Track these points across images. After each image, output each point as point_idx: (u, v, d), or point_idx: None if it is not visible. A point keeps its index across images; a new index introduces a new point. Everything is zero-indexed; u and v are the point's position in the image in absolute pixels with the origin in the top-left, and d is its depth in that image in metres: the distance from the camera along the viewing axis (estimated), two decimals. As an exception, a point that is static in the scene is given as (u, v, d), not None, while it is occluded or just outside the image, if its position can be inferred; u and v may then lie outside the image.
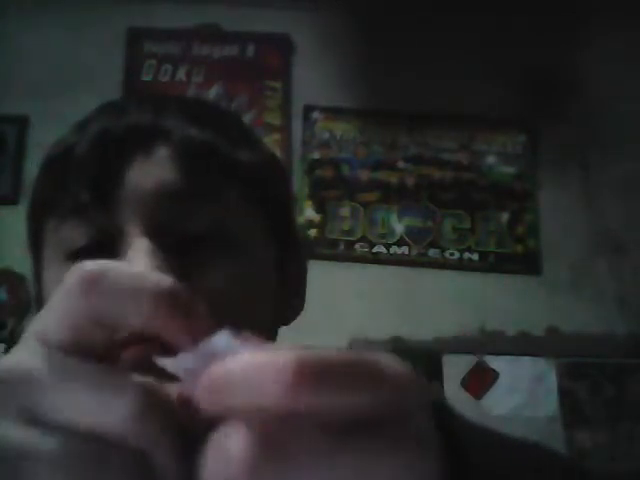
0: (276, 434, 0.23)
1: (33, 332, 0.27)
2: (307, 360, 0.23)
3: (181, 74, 2.09)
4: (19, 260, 1.75)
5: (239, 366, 0.24)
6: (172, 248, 0.44)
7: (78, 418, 0.25)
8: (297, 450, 0.23)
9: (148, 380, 0.27)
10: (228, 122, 0.55)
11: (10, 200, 1.88)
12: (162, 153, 0.47)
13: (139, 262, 0.42)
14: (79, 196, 0.46)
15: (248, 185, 0.50)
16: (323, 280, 1.89)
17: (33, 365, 0.26)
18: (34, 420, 0.26)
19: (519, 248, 2.00)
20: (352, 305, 1.87)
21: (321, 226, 1.99)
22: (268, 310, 0.49)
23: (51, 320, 0.27)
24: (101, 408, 0.25)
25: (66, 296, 0.27)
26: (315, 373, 0.23)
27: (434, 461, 0.25)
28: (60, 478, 0.25)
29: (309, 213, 2.00)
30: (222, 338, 0.26)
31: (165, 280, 0.27)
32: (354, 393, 0.24)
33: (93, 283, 0.27)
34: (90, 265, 0.27)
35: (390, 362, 0.25)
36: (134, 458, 0.25)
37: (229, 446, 0.23)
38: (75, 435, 0.25)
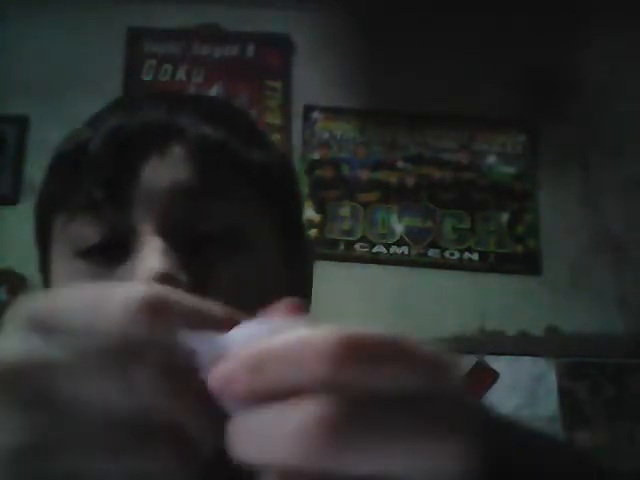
0: (337, 414, 0.23)
1: (32, 316, 0.27)
2: (350, 337, 0.24)
3: (181, 74, 2.09)
4: (19, 260, 1.75)
5: (283, 342, 0.24)
6: (184, 247, 0.44)
7: (107, 398, 0.25)
8: (354, 432, 0.23)
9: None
10: (241, 121, 0.55)
11: (10, 200, 1.88)
12: (176, 152, 0.47)
13: (152, 261, 0.42)
14: (92, 193, 0.45)
15: (259, 185, 0.49)
16: (323, 280, 1.89)
17: (47, 351, 0.26)
18: (54, 407, 0.25)
19: (519, 248, 2.00)
20: (352, 305, 1.87)
21: (321, 226, 1.99)
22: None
23: (101, 321, 0.26)
24: (128, 385, 0.25)
25: (125, 310, 0.26)
26: (358, 350, 0.24)
27: (474, 447, 0.25)
28: (94, 462, 0.25)
29: (309, 213, 2.00)
30: (255, 324, 0.26)
31: (226, 311, 0.27)
32: (395, 370, 0.24)
33: (160, 308, 0.26)
34: (157, 290, 0.27)
35: (420, 343, 0.26)
36: (168, 434, 0.25)
37: (285, 424, 0.23)
38: (105, 417, 0.25)
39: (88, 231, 0.45)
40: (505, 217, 2.02)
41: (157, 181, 0.46)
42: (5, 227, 1.81)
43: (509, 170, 2.07)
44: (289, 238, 0.52)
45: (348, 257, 1.97)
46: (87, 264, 0.45)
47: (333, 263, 1.93)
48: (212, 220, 0.46)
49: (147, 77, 2.08)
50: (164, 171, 0.46)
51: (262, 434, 0.24)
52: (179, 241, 0.44)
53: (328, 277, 1.82)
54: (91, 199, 0.45)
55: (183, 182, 0.46)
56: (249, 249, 0.47)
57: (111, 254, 0.45)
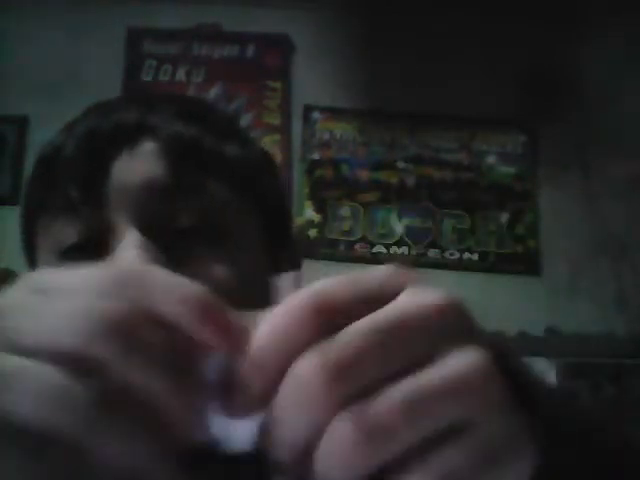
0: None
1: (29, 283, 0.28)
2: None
3: (181, 74, 2.09)
4: (19, 260, 1.75)
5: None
6: (161, 241, 0.45)
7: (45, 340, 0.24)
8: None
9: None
10: (216, 119, 0.56)
11: (10, 200, 1.88)
12: (148, 149, 0.48)
13: (130, 254, 0.42)
14: (68, 194, 0.46)
15: (236, 180, 0.50)
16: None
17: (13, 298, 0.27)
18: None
19: (519, 248, 2.00)
20: (352, 305, 1.87)
21: (321, 226, 1.99)
22: (261, 303, 0.49)
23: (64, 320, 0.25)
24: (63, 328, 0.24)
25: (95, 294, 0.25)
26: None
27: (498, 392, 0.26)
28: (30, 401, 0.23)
29: (309, 213, 2.00)
30: None
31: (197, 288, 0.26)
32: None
33: (127, 284, 0.26)
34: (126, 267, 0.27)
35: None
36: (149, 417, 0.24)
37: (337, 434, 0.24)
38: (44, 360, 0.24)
39: (67, 231, 0.46)
40: (505, 217, 2.02)
41: (130, 178, 0.46)
42: (5, 227, 1.81)
43: (509, 170, 2.07)
44: (272, 234, 0.53)
45: (348, 257, 1.97)
46: (68, 264, 0.46)
47: (333, 263, 1.93)
48: (188, 215, 0.46)
49: (147, 77, 2.08)
50: (136, 168, 0.47)
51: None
52: (155, 235, 0.45)
53: (328, 277, 1.82)
54: (68, 200, 0.46)
55: (155, 177, 0.46)
56: (228, 243, 0.47)
57: (90, 252, 0.46)
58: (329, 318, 0.25)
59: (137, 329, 0.24)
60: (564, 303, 1.93)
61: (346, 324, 0.25)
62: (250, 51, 2.12)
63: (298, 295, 0.26)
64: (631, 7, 2.03)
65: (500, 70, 2.09)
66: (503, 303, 1.92)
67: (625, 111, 2.04)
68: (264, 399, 0.25)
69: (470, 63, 2.08)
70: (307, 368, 0.24)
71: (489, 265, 1.98)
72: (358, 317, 0.25)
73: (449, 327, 0.26)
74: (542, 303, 1.93)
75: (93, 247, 0.46)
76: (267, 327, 0.25)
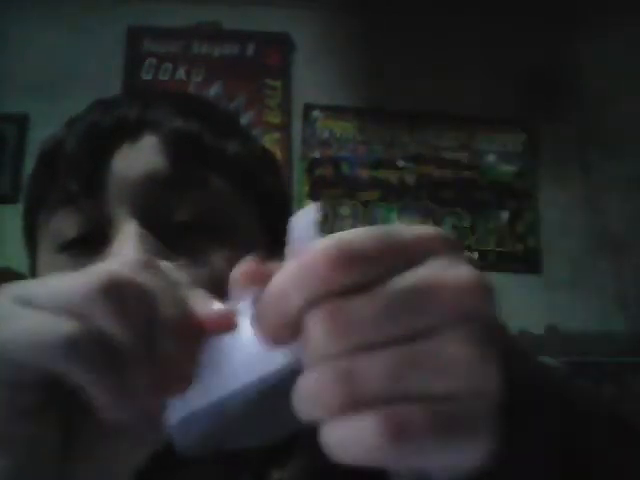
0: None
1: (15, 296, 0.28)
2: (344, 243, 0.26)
3: (181, 73, 2.09)
4: (19, 259, 1.75)
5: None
6: (159, 235, 0.45)
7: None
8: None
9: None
10: (216, 115, 0.56)
11: (10, 199, 1.88)
12: (149, 143, 0.48)
13: (127, 249, 0.43)
14: (68, 188, 0.47)
15: (237, 176, 0.50)
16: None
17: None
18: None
19: (519, 247, 2.00)
20: (352, 304, 1.87)
21: (321, 225, 1.99)
22: None
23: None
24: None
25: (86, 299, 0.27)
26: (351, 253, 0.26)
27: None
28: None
29: (309, 212, 2.00)
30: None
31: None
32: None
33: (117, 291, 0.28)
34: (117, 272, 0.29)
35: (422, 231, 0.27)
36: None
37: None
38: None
39: (67, 225, 0.47)
40: (505, 216, 2.02)
41: (130, 171, 0.47)
42: (5, 226, 1.81)
43: (509, 169, 2.07)
44: (274, 232, 0.52)
45: (348, 256, 1.96)
46: (68, 258, 0.46)
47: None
48: (188, 209, 0.46)
49: (147, 76, 2.08)
50: (136, 161, 0.47)
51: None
52: (155, 229, 0.45)
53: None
54: (67, 193, 0.47)
55: (156, 171, 0.47)
56: (228, 239, 0.47)
57: (90, 246, 0.46)
58: (352, 269, 0.26)
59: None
60: (564, 301, 1.93)
61: (366, 275, 0.25)
62: (250, 50, 2.12)
63: (322, 242, 0.27)
64: (631, 7, 2.03)
65: (500, 70, 2.09)
66: (503, 302, 1.91)
67: (625, 111, 2.04)
68: (279, 335, 0.26)
69: (470, 63, 2.08)
70: (316, 319, 0.25)
71: (489, 263, 1.98)
72: (383, 268, 0.25)
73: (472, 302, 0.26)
74: (542, 301, 1.93)
75: (93, 241, 0.46)
76: (289, 268, 0.26)
